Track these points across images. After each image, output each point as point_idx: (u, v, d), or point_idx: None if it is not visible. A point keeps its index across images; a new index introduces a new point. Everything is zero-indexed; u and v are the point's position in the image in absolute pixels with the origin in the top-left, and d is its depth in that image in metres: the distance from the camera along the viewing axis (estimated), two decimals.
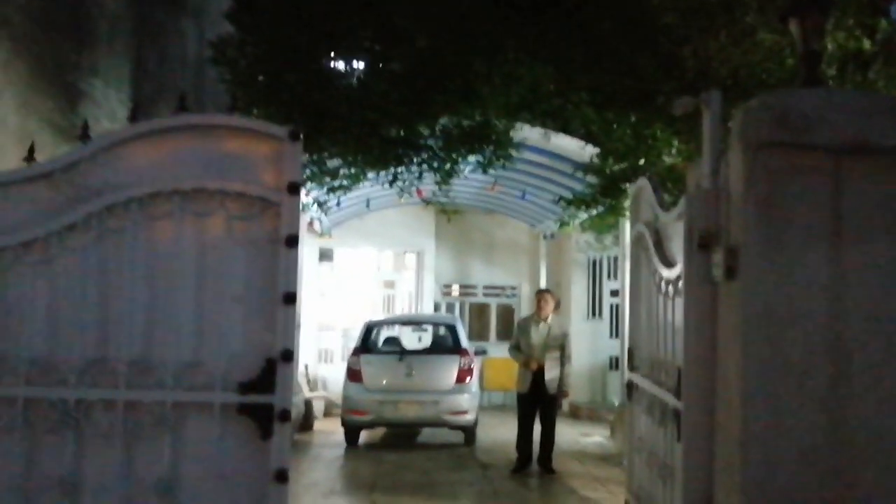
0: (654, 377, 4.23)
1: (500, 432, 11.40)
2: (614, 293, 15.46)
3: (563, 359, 8.65)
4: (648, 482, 4.35)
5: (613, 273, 15.52)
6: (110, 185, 3.56)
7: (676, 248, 4.07)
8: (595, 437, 11.55)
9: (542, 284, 14.91)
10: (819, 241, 3.23)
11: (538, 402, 8.62)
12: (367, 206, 11.18)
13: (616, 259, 15.22)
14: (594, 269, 15.54)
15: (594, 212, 9.22)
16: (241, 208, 3.56)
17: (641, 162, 6.76)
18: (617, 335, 15.33)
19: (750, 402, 3.19)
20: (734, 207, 3.35)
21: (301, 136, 3.54)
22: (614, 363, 15.06)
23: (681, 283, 3.73)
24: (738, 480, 3.19)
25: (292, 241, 3.51)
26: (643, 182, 4.80)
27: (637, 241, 4.91)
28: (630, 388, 4.99)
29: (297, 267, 3.55)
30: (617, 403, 12.17)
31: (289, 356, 3.45)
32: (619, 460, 9.25)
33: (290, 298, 3.48)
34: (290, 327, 3.50)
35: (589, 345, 14.89)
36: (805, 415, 3.19)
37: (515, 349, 8.79)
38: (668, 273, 3.96)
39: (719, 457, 3.40)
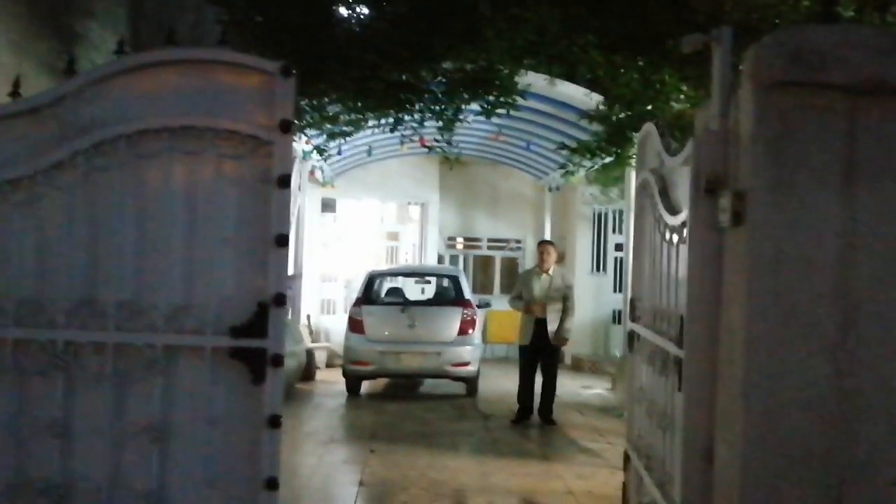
0: (657, 327, 4.13)
1: (502, 384, 11.40)
2: (619, 247, 15.35)
3: (566, 310, 8.59)
4: (648, 432, 4.29)
5: (618, 227, 15.40)
6: (98, 122, 3.44)
7: (682, 194, 3.94)
8: (596, 389, 11.57)
9: (547, 237, 14.79)
10: (830, 186, 3.10)
11: (540, 353, 8.59)
12: (369, 153, 11.01)
13: (621, 213, 15.08)
14: (599, 223, 15.43)
15: (599, 161, 9.05)
16: (231, 147, 3.44)
17: (649, 108, 6.58)
18: (620, 289, 15.26)
19: (753, 350, 3.09)
20: (743, 150, 3.21)
21: (293, 71, 3.41)
22: (617, 317, 15.03)
23: (686, 231, 3.62)
24: (740, 430, 3.12)
25: (284, 182, 3.40)
26: (649, 127, 4.65)
27: (642, 188, 4.79)
28: (631, 338, 4.91)
29: (289, 208, 3.44)
30: (620, 357, 12.14)
31: (281, 300, 3.36)
32: (619, 412, 9.24)
33: (283, 241, 3.38)
34: (283, 271, 3.41)
35: (592, 299, 14.84)
36: (810, 364, 3.09)
37: (517, 299, 8.74)
38: (672, 220, 3.84)
39: (720, 407, 3.33)
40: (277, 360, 3.36)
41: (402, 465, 6.69)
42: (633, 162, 8.09)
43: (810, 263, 3.10)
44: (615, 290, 15.08)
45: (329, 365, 13.29)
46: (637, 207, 4.99)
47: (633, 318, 4.86)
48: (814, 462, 3.11)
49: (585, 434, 8.25)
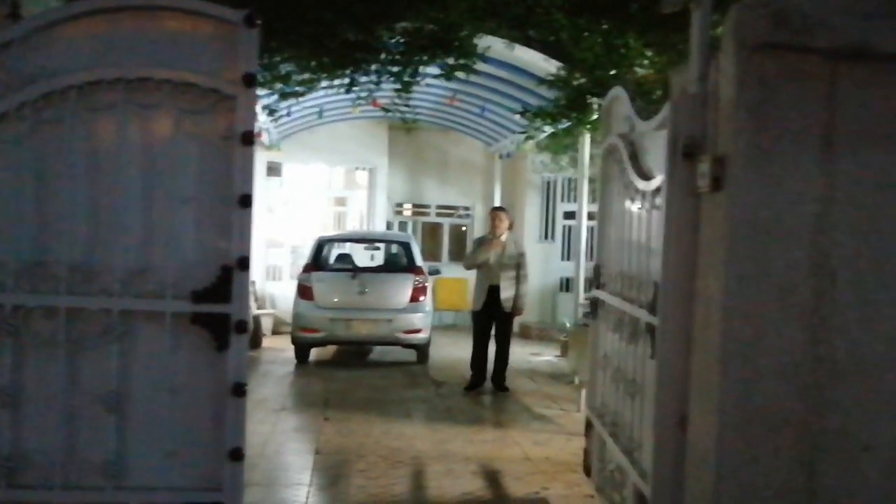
0: (626, 294, 4.10)
1: (452, 351, 11.39)
2: (568, 215, 15.42)
3: (520, 277, 8.57)
4: (614, 400, 4.28)
5: (568, 195, 15.45)
6: (46, 72, 3.21)
7: (654, 159, 3.89)
8: (545, 356, 11.65)
9: (497, 205, 14.75)
10: (810, 152, 3.07)
11: (493, 319, 8.55)
12: (320, 115, 10.72)
13: (570, 181, 15.12)
14: (548, 191, 15.44)
15: (560, 125, 8.96)
16: (191, 101, 3.25)
17: (612, 73, 6.51)
18: (569, 257, 15.36)
19: (730, 317, 3.07)
20: (723, 114, 3.16)
21: (258, 21, 3.22)
22: (565, 285, 15.14)
23: (659, 197, 3.57)
24: (716, 398, 3.10)
25: (248, 139, 3.23)
26: (618, 91, 4.58)
27: (609, 154, 4.73)
28: (595, 305, 4.88)
29: (252, 167, 3.28)
30: (568, 324, 12.22)
31: (245, 264, 3.22)
32: (570, 378, 9.31)
33: (247, 201, 3.22)
34: (247, 232, 3.26)
35: (541, 266, 14.88)
36: (786, 331, 3.09)
37: (472, 266, 8.68)
38: (645, 186, 3.79)
39: (695, 375, 3.31)
40: (241, 326, 3.22)
41: (357, 432, 6.61)
42: (589, 128, 8.06)
43: (788, 230, 3.08)
44: (563, 258, 15.18)
45: (275, 332, 13.11)
46: (603, 173, 4.93)
47: (598, 286, 4.83)
48: (788, 429, 3.11)
49: (538, 401, 8.28)
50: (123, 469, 3.26)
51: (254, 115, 3.36)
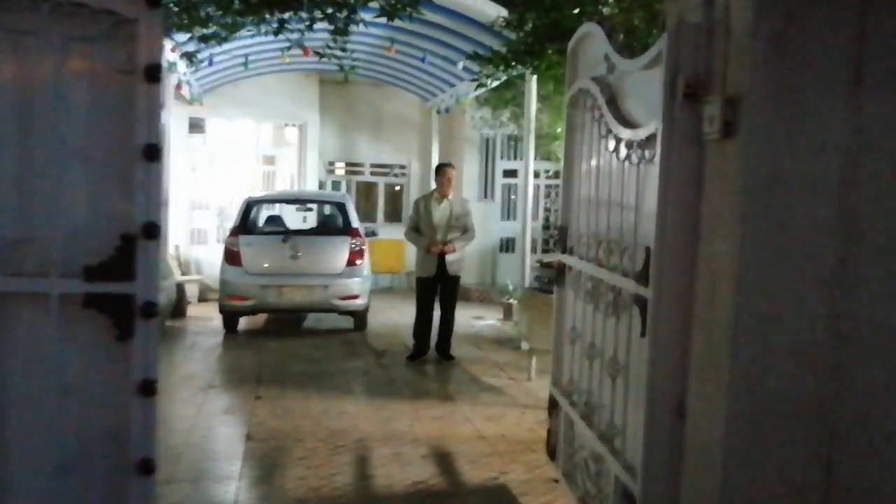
0: (603, 260, 3.60)
1: (391, 317, 10.83)
2: (508, 173, 14.93)
3: (467, 233, 8.04)
4: (587, 379, 3.80)
5: (508, 153, 14.93)
6: None
7: (638, 105, 3.37)
8: (488, 320, 11.22)
9: (434, 164, 14.13)
10: (836, 92, 2.58)
11: (439, 284, 8.00)
12: (245, 65, 9.83)
13: (510, 138, 14.60)
14: (487, 149, 14.90)
15: (514, 72, 8.28)
16: (80, 25, 2.56)
17: (575, 12, 5.93)
18: (510, 217, 14.92)
19: (745, 289, 2.59)
20: (735, 46, 2.64)
21: None
22: (506, 245, 14.71)
23: (649, 147, 3.05)
24: (726, 381, 2.63)
25: (154, 74, 2.56)
26: (589, 28, 4.02)
27: (577, 101, 4.18)
28: (560, 272, 4.37)
29: (159, 109, 2.61)
30: (511, 287, 11.79)
31: (153, 231, 2.57)
32: (516, 344, 8.89)
33: (153, 153, 2.57)
34: (155, 192, 2.61)
35: (481, 227, 14.21)
36: (805, 305, 2.63)
37: (414, 231, 8.04)
38: (630, 134, 3.27)
39: (697, 355, 2.83)
40: (150, 310, 2.58)
41: (293, 412, 6.01)
42: (547, 74, 7.48)
43: (811, 184, 2.59)
44: (504, 218, 14.72)
45: (202, 299, 12.34)
46: (568, 125, 4.39)
47: (564, 249, 4.32)
48: (804, 416, 2.66)
49: (486, 369, 7.81)
50: (4, 489, 2.61)
51: (161, 45, 2.68)
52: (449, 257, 7.87)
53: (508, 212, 14.93)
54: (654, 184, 2.99)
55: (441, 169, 8.18)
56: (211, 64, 9.21)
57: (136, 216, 2.54)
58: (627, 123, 3.38)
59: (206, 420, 5.87)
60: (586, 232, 3.94)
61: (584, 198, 4.02)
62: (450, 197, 7.98)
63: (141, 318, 2.57)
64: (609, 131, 3.54)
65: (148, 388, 2.58)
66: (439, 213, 7.91)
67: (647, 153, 3.10)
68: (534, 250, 15.05)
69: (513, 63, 7.62)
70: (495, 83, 9.03)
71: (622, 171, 3.38)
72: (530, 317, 7.28)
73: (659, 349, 2.91)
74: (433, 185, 8.32)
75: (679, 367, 2.88)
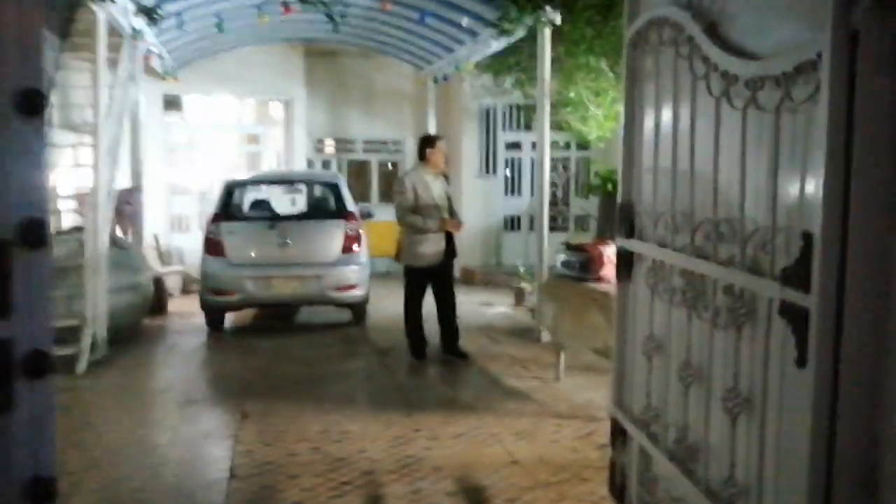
0: (703, 249, 2.62)
1: (391, 306, 9.79)
2: (511, 146, 13.90)
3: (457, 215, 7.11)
4: (682, 409, 2.82)
5: (510, 123, 13.89)
6: None
7: (764, 28, 2.36)
8: (499, 306, 10.22)
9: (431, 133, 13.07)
10: None
11: (436, 272, 6.98)
12: (220, 27, 8.59)
13: (513, 107, 13.56)
14: (488, 120, 13.85)
15: (541, 16, 7.07)
16: None
17: None
18: (513, 192, 13.91)
19: None
20: None
21: None
22: (511, 223, 13.71)
23: (796, 85, 2.06)
24: None
25: None
26: None
27: (644, 38, 3.18)
28: (624, 260, 3.39)
29: (41, 35, 1.59)
30: (522, 268, 10.81)
31: (37, 234, 1.55)
32: (535, 335, 7.93)
33: (33, 102, 1.54)
34: (38, 170, 1.59)
35: (482, 204, 13.40)
36: None
37: (413, 213, 6.84)
38: (757, 69, 2.27)
39: None
40: (39, 364, 1.57)
41: (286, 435, 5.02)
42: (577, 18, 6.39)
43: None
44: (508, 194, 13.70)
45: (186, 291, 11.34)
46: (630, 72, 3.37)
47: (628, 233, 3.33)
48: None
49: (505, 368, 6.84)
50: None
51: None
52: (456, 237, 6.87)
53: (513, 187, 13.91)
54: (809, 136, 2.00)
55: (433, 141, 7.08)
56: (181, 27, 8.09)
57: (8, 210, 1.53)
58: (745, 55, 2.37)
59: (181, 450, 4.87)
60: (669, 210, 2.94)
61: (663, 165, 3.02)
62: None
63: (26, 376, 1.56)
64: (711, 69, 2.53)
65: (42, 493, 1.58)
66: (438, 189, 6.90)
67: (793, 92, 2.09)
68: (556, 228, 14.07)
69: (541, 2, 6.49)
70: (519, 33, 7.90)
71: (741, 123, 2.37)
72: (557, 307, 6.30)
73: (830, 387, 1.92)
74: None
75: (867, 416, 1.90)
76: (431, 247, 6.84)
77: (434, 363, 7.02)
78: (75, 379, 6.50)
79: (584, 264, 5.77)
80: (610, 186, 9.43)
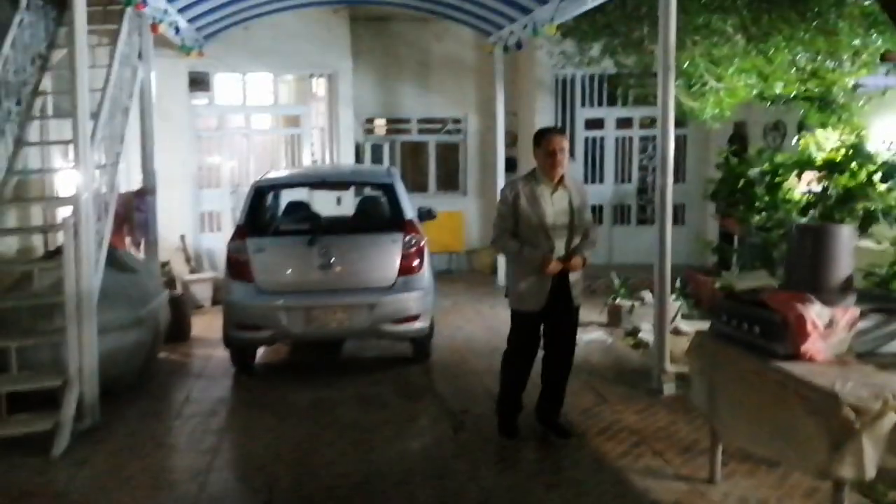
0: None
1: (455, 322, 8.04)
2: (591, 124, 11.86)
3: (587, 238, 5.10)
4: None
5: (590, 98, 11.84)
6: None
7: None
8: (589, 329, 8.23)
9: (500, 115, 11.09)
10: None
11: (549, 318, 5.07)
12: None
13: (594, 78, 11.51)
14: (563, 94, 11.83)
15: None
16: None
17: None
18: (596, 179, 11.89)
19: None
20: None
21: None
22: (595, 217, 11.72)
23: None
24: None
25: None
26: None
27: None
28: None
29: None
30: (616, 280, 8.85)
31: None
32: (651, 384, 6.03)
33: None
34: None
35: None
36: None
37: (512, 240, 4.96)
38: None
39: None
40: None
41: None
42: None
43: None
44: (589, 181, 11.66)
45: (216, 301, 9.64)
46: None
47: None
48: None
49: (626, 448, 4.97)
50: None
51: None
52: (572, 277, 4.96)
53: (595, 173, 11.91)
54: None
55: (547, 136, 5.00)
56: None
57: None
58: None
59: None
60: None
61: None
62: (564, 181, 5.01)
63: None
64: None
65: None
66: (554, 207, 4.94)
67: None
68: (626, 221, 12.08)
69: None
70: None
71: None
72: (717, 386, 4.29)
73: None
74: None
75: None
76: (534, 285, 4.93)
77: (528, 445, 5.14)
78: (48, 466, 4.85)
79: (769, 329, 3.82)
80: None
